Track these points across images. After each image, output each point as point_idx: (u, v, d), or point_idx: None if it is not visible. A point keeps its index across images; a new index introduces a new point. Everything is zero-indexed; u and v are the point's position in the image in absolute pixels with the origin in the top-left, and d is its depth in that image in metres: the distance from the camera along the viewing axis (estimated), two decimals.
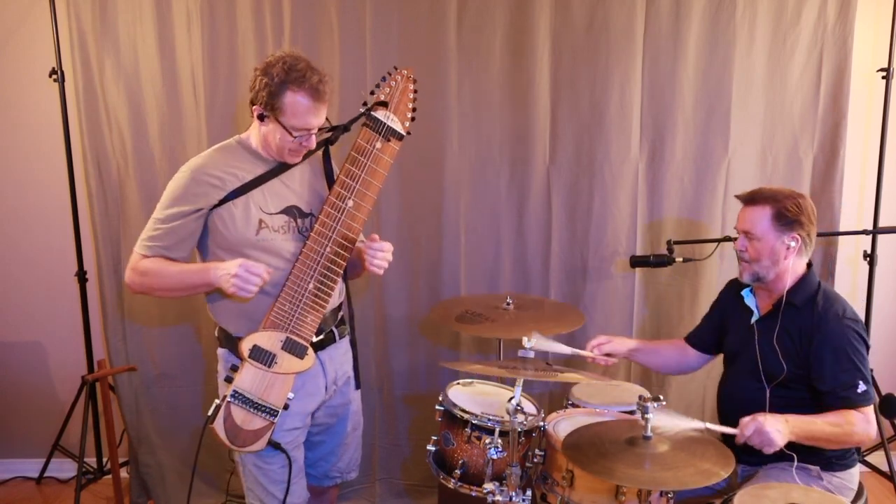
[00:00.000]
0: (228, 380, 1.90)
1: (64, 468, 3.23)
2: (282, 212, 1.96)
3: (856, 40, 2.78)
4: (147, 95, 2.79)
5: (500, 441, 1.98)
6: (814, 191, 2.86)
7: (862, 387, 1.92)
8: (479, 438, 2.04)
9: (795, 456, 1.97)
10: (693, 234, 2.86)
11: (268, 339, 1.90)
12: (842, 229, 2.87)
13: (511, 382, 1.92)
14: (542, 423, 2.09)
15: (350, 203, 1.95)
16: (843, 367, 1.94)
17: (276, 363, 1.90)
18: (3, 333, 3.19)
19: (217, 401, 1.90)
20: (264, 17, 2.75)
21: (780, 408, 1.99)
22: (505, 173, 2.88)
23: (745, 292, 2.17)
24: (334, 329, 2.09)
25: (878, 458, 3.10)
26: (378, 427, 3.02)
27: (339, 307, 2.14)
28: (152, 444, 3.00)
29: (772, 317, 2.08)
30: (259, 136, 1.95)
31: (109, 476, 2.98)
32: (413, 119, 2.02)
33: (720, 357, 2.36)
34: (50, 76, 2.82)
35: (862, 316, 2.90)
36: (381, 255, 1.98)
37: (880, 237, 2.94)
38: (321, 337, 2.03)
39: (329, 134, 1.98)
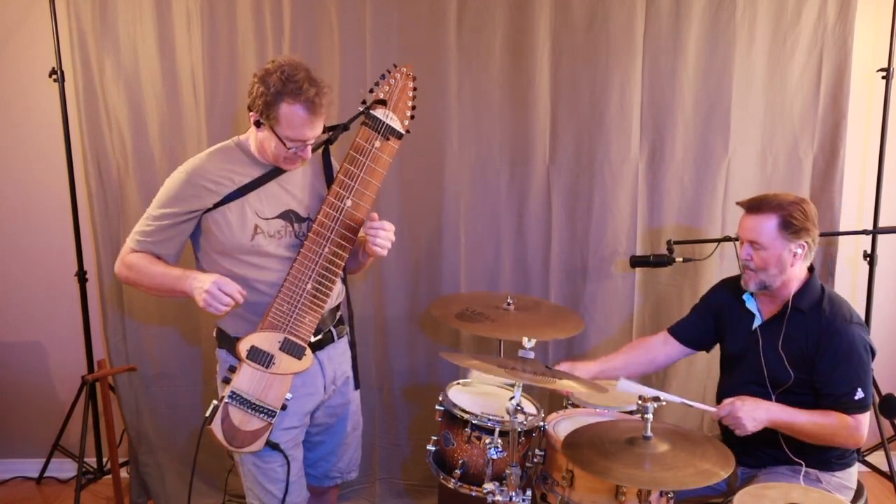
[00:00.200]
0: (226, 381, 1.91)
1: (64, 468, 3.23)
2: (278, 216, 1.95)
3: (856, 40, 2.78)
4: (147, 95, 2.79)
5: (500, 441, 1.98)
6: (814, 191, 2.86)
7: (859, 393, 1.93)
8: (479, 438, 2.04)
9: (804, 463, 1.99)
10: (693, 234, 2.86)
11: (265, 340, 1.90)
12: (842, 229, 2.87)
13: (510, 382, 1.92)
14: (542, 423, 2.09)
15: (349, 203, 1.94)
16: (844, 373, 1.95)
17: (273, 364, 1.90)
18: (3, 333, 3.19)
19: (215, 402, 1.90)
20: (264, 17, 2.74)
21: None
22: (505, 173, 2.88)
23: (746, 296, 2.16)
24: (332, 329, 2.09)
25: (878, 458, 3.10)
26: (378, 427, 3.02)
27: (338, 307, 2.14)
28: (152, 444, 3.00)
29: (776, 322, 2.07)
30: (256, 141, 1.94)
31: (109, 476, 2.98)
32: (412, 117, 2.01)
33: (716, 355, 2.35)
34: (50, 76, 2.82)
35: (862, 316, 2.91)
36: (382, 234, 1.94)
37: (880, 237, 2.94)
38: (319, 337, 2.03)
39: (328, 133, 1.97)
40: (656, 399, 1.84)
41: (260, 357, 1.89)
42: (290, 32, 2.74)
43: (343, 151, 1.98)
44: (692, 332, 2.33)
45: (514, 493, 1.88)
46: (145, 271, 1.91)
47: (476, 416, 2.05)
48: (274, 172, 1.95)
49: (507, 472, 1.89)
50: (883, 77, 2.88)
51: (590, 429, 1.92)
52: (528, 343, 1.92)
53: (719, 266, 2.88)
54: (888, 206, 2.98)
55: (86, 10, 2.71)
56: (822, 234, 2.45)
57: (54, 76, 2.82)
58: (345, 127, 1.99)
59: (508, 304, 2.39)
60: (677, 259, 2.76)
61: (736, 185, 2.85)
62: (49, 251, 3.09)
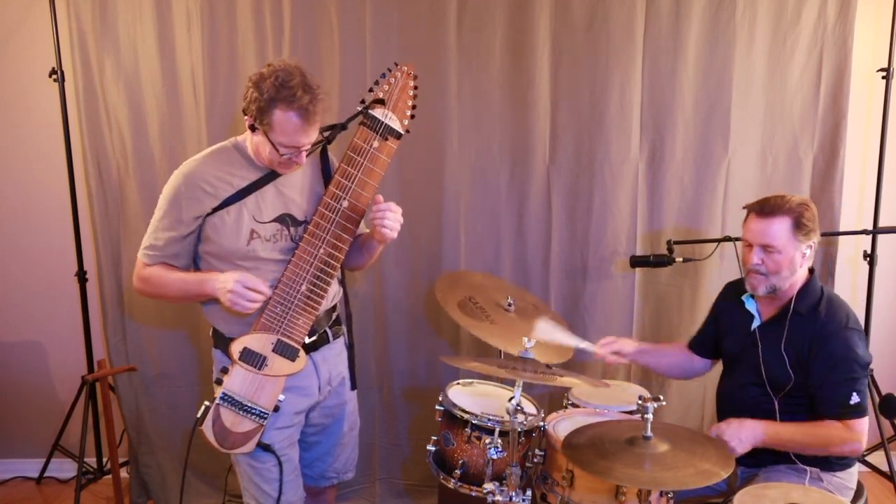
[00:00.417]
0: (218, 382, 1.90)
1: (64, 468, 3.23)
2: (274, 220, 1.93)
3: (856, 40, 2.78)
4: (147, 95, 2.79)
5: (500, 441, 1.98)
6: (814, 191, 2.86)
7: (855, 398, 1.92)
8: (479, 438, 2.04)
9: (804, 462, 1.98)
10: (693, 234, 2.86)
11: (258, 342, 1.90)
12: (842, 229, 2.87)
13: (511, 383, 1.92)
14: (542, 423, 2.09)
15: (345, 204, 1.93)
16: (838, 377, 1.94)
17: (266, 366, 1.89)
18: (3, 333, 3.19)
19: (206, 403, 1.89)
20: (264, 17, 2.74)
21: (785, 416, 1.99)
22: (505, 173, 2.88)
23: (745, 297, 2.16)
24: (328, 330, 2.08)
25: (878, 458, 3.10)
26: (378, 427, 3.02)
27: (335, 308, 2.13)
28: (152, 444, 3.00)
29: (776, 323, 2.07)
30: (252, 144, 1.92)
31: (109, 476, 2.98)
32: (413, 117, 2.00)
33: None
34: (50, 76, 2.82)
35: (862, 316, 2.92)
36: (390, 216, 1.92)
37: (880, 237, 2.94)
38: (314, 338, 2.02)
39: (326, 133, 1.96)
40: (657, 399, 1.84)
41: (252, 359, 1.89)
42: (290, 32, 2.74)
43: (342, 151, 1.97)
44: (708, 344, 2.35)
45: (514, 493, 1.88)
46: (163, 283, 1.91)
47: (476, 416, 2.05)
48: (271, 175, 1.93)
49: (507, 472, 1.89)
50: (883, 77, 2.87)
51: (590, 429, 1.92)
52: (528, 343, 1.92)
53: (719, 266, 2.88)
54: (888, 206, 2.98)
55: (86, 10, 2.71)
56: (822, 234, 2.45)
57: (54, 76, 2.82)
58: (342, 126, 1.97)
59: (509, 304, 2.39)
60: (677, 259, 2.76)
61: (736, 185, 2.85)
62: (49, 251, 3.09)
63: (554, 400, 2.91)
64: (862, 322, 2.27)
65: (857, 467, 2.12)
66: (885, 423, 2.98)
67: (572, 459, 1.81)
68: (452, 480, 2.07)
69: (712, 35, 2.77)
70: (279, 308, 1.90)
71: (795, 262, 2.01)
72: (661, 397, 1.89)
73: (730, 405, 2.18)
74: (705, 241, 2.80)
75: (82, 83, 2.76)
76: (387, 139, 1.95)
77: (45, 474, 3.24)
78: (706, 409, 2.99)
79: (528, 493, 1.92)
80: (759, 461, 2.09)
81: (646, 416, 1.78)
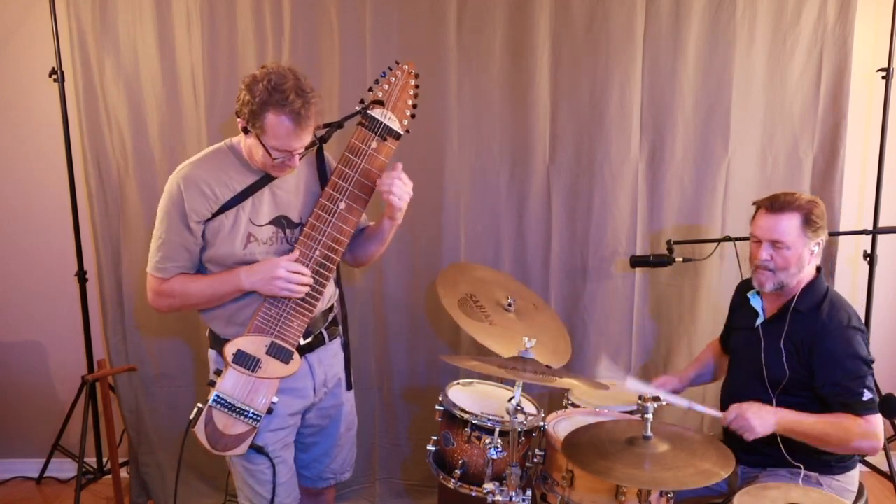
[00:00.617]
0: (211, 384, 1.89)
1: (64, 468, 3.23)
2: (270, 223, 1.92)
3: (856, 40, 2.77)
4: (147, 95, 2.79)
5: (500, 441, 1.98)
6: (814, 191, 2.85)
7: (867, 395, 1.91)
8: (479, 438, 2.04)
9: (802, 466, 1.98)
10: (693, 234, 2.86)
11: (252, 344, 1.89)
12: (842, 229, 2.87)
13: (511, 383, 1.92)
14: (542, 423, 2.09)
15: (342, 205, 1.92)
16: (844, 374, 1.94)
17: (260, 368, 1.89)
18: (3, 333, 3.19)
19: (199, 405, 1.89)
20: (264, 17, 2.74)
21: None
22: (505, 173, 2.88)
23: (751, 294, 2.17)
24: (324, 331, 2.07)
25: (878, 459, 3.09)
26: (378, 427, 3.02)
27: (331, 308, 2.12)
28: (152, 444, 3.00)
29: (777, 320, 2.07)
30: (245, 147, 1.89)
31: (109, 476, 2.98)
32: (413, 116, 1.99)
33: None
34: (50, 76, 2.82)
35: (862, 316, 2.90)
36: (399, 184, 1.88)
37: (880, 237, 2.94)
38: (309, 339, 2.01)
39: (322, 132, 1.93)
40: (656, 399, 1.84)
41: (246, 361, 1.88)
42: (290, 32, 2.74)
43: (341, 151, 1.96)
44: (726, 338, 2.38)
45: (514, 493, 1.88)
46: (189, 291, 1.89)
47: (476, 416, 2.05)
48: (268, 177, 1.91)
49: (507, 472, 1.89)
50: (883, 77, 2.87)
51: (590, 429, 1.92)
52: (528, 343, 1.92)
53: (719, 266, 2.88)
54: (888, 206, 2.98)
55: (86, 10, 2.71)
56: None
57: (54, 76, 2.82)
58: (339, 125, 1.95)
59: (509, 304, 2.39)
60: (677, 259, 2.76)
61: (736, 185, 2.85)
62: (49, 251, 3.09)
63: (554, 400, 2.91)
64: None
65: (858, 468, 2.11)
66: (885, 423, 2.98)
67: (572, 459, 1.81)
68: (452, 480, 2.07)
69: (712, 35, 2.77)
70: (274, 310, 1.89)
71: (804, 258, 2.02)
72: (661, 397, 1.89)
73: (732, 401, 2.17)
74: (705, 241, 2.80)
75: (82, 83, 2.76)
76: (385, 140, 1.94)
77: (45, 474, 3.23)
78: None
79: (528, 493, 1.92)
80: (761, 462, 2.09)
81: (646, 416, 1.78)
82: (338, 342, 2.16)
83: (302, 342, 1.96)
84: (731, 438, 2.16)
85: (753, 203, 2.14)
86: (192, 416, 1.88)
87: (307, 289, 1.87)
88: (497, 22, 2.77)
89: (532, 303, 2.55)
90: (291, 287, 1.85)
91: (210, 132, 2.77)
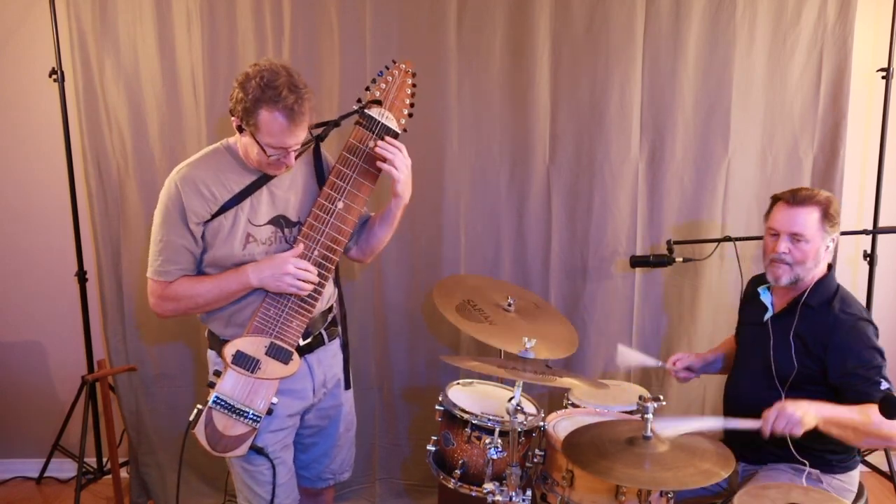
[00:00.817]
0: (211, 385, 1.89)
1: (64, 468, 3.23)
2: (269, 223, 1.91)
3: (856, 40, 2.77)
4: (147, 95, 2.79)
5: (500, 441, 1.98)
6: None
7: (884, 384, 1.90)
8: (479, 438, 2.04)
9: (808, 462, 1.97)
10: (693, 234, 2.86)
11: (251, 345, 1.88)
12: (842, 229, 2.86)
13: (511, 383, 1.92)
14: (542, 423, 2.09)
15: (340, 205, 1.91)
16: (861, 365, 1.93)
17: (259, 369, 1.88)
18: (3, 333, 3.19)
19: (199, 406, 1.88)
20: (264, 17, 2.74)
21: None
22: (505, 173, 2.88)
23: (762, 289, 2.17)
24: (323, 332, 2.07)
25: (878, 458, 3.10)
26: (378, 427, 3.01)
27: (330, 309, 2.11)
28: (152, 444, 3.00)
29: (787, 315, 2.07)
30: (241, 146, 1.88)
31: (109, 476, 2.98)
32: (411, 115, 1.99)
33: None
34: (50, 76, 2.82)
35: None
36: (399, 156, 1.90)
37: (880, 237, 2.94)
38: (308, 340, 2.01)
39: (319, 130, 1.93)
40: (657, 399, 1.84)
41: (245, 362, 1.88)
42: (290, 32, 2.74)
43: (339, 150, 1.96)
44: None
45: (514, 493, 1.88)
46: (195, 292, 1.88)
47: (476, 416, 2.05)
48: (266, 177, 1.90)
49: (507, 472, 1.89)
50: (883, 77, 2.88)
51: (590, 429, 1.92)
52: (528, 343, 1.92)
53: (719, 266, 2.88)
54: (888, 206, 2.98)
55: (86, 10, 2.71)
56: None
57: (54, 76, 2.82)
58: (336, 124, 1.94)
59: (509, 304, 2.39)
60: (677, 259, 2.76)
61: (736, 185, 2.85)
62: (49, 251, 3.09)
63: (554, 400, 2.91)
64: None
65: (859, 469, 2.11)
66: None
67: (572, 459, 1.81)
68: (452, 480, 2.07)
69: (712, 35, 2.77)
70: (273, 310, 1.89)
71: (820, 253, 2.03)
72: (661, 397, 1.89)
73: (736, 395, 2.18)
74: (705, 241, 2.80)
75: (82, 83, 2.76)
76: (383, 139, 1.94)
77: (45, 474, 3.23)
78: (706, 409, 2.99)
79: (528, 493, 1.92)
80: (761, 458, 2.09)
81: (646, 416, 1.78)
82: (337, 342, 2.15)
83: (301, 343, 1.96)
84: (731, 433, 2.17)
85: (772, 197, 2.13)
86: (191, 418, 1.88)
87: (312, 286, 1.87)
88: (497, 22, 2.77)
89: (533, 302, 2.55)
90: (299, 284, 1.85)
91: (210, 132, 2.77)
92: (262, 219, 1.91)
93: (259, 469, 1.97)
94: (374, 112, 1.93)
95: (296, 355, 1.92)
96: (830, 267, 2.11)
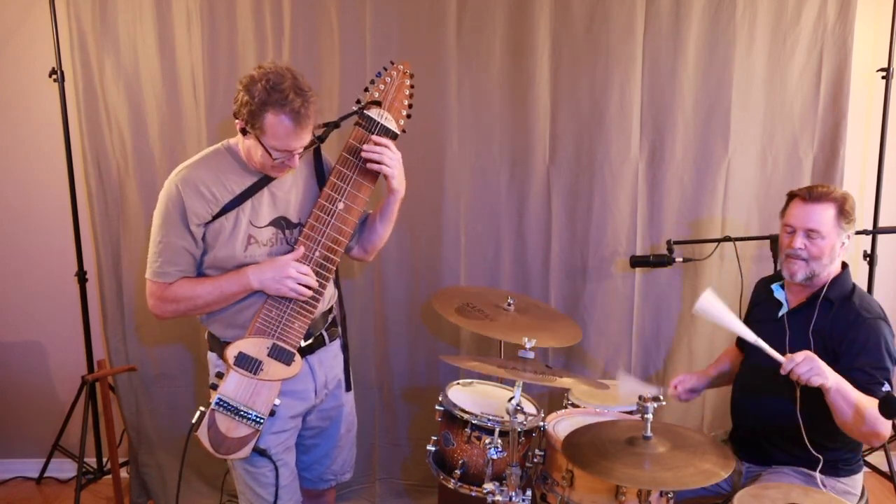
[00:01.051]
0: (213, 387, 1.88)
1: (64, 468, 3.23)
2: (270, 224, 1.91)
3: (856, 40, 2.77)
4: (147, 95, 2.79)
5: (500, 441, 1.98)
6: None
7: (886, 387, 1.91)
8: (479, 438, 2.04)
9: (821, 458, 1.96)
10: (693, 234, 2.86)
11: (253, 346, 1.88)
12: None
13: (511, 383, 1.92)
14: (542, 423, 2.09)
15: (340, 205, 1.91)
16: (870, 363, 1.93)
17: (261, 370, 1.88)
18: (3, 333, 3.19)
19: (202, 408, 1.88)
20: (264, 17, 2.74)
21: (805, 404, 1.96)
22: (505, 173, 2.88)
23: (775, 286, 2.17)
24: (324, 332, 2.06)
25: (878, 459, 3.10)
26: (378, 427, 3.02)
27: (331, 310, 2.11)
28: (152, 444, 3.00)
29: (805, 310, 2.07)
30: (244, 148, 1.88)
31: (109, 476, 2.98)
32: (409, 116, 1.99)
33: (715, 354, 2.35)
34: (50, 76, 2.83)
35: None
36: (388, 154, 1.90)
37: (880, 237, 2.94)
38: (310, 341, 2.00)
39: (319, 132, 1.92)
40: (656, 399, 1.84)
41: (248, 363, 1.87)
42: (290, 32, 2.74)
43: (338, 151, 1.96)
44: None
45: (514, 493, 1.88)
46: (195, 294, 1.87)
47: (476, 416, 2.05)
48: (266, 179, 1.90)
49: (507, 472, 1.89)
50: (883, 77, 2.88)
51: (590, 429, 1.92)
52: (528, 343, 1.92)
53: (719, 266, 2.88)
54: (888, 206, 2.98)
55: (86, 10, 2.71)
56: None
57: (54, 76, 2.82)
58: (335, 125, 1.94)
59: (509, 304, 2.39)
60: (677, 259, 2.76)
61: (736, 185, 2.85)
62: (49, 251, 3.09)
63: (554, 400, 2.91)
64: None
65: (863, 473, 2.11)
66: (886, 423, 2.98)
67: (572, 459, 1.81)
68: (452, 480, 2.07)
69: (712, 35, 2.77)
70: (275, 311, 1.89)
71: (836, 249, 2.03)
72: (661, 397, 1.88)
73: (749, 391, 2.17)
74: (705, 241, 2.80)
75: (82, 83, 2.76)
76: (386, 140, 1.94)
77: (45, 474, 3.23)
78: (706, 409, 2.99)
79: (528, 493, 1.92)
80: (767, 459, 2.09)
81: (646, 416, 1.78)
82: (337, 343, 2.15)
83: (302, 344, 1.96)
84: (739, 434, 2.17)
85: (788, 193, 2.14)
86: (194, 420, 1.87)
87: (311, 292, 1.87)
88: (497, 22, 2.77)
89: (533, 303, 2.55)
90: (299, 288, 1.85)
91: (210, 132, 2.77)
92: (264, 220, 1.90)
93: (262, 471, 1.96)
94: (373, 113, 1.93)
95: (298, 356, 1.92)
96: (845, 265, 2.11)
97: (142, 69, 2.77)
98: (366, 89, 1.97)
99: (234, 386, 1.87)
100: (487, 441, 2.00)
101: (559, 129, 2.84)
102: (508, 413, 1.87)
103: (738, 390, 2.24)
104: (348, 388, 2.19)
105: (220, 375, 1.88)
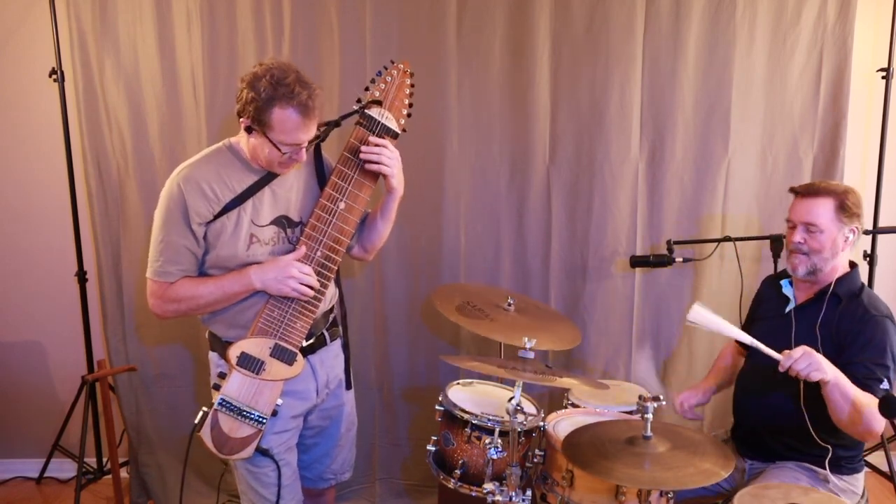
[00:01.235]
0: (216, 387, 1.88)
1: (64, 468, 3.23)
2: (272, 223, 1.91)
3: (856, 40, 2.77)
4: (147, 95, 2.79)
5: (500, 441, 1.98)
6: None
7: (885, 384, 1.91)
8: (479, 438, 2.04)
9: (831, 448, 1.97)
10: (693, 234, 2.86)
11: (256, 346, 1.88)
12: None
13: (511, 383, 1.92)
14: (542, 423, 2.09)
15: (342, 205, 1.92)
16: (871, 358, 1.93)
17: (264, 370, 1.88)
18: (3, 333, 3.19)
19: (204, 409, 1.88)
20: (264, 17, 2.74)
21: (810, 399, 1.96)
22: (505, 173, 2.88)
23: (783, 282, 2.18)
24: (325, 332, 2.07)
25: (878, 458, 3.09)
26: (378, 427, 3.01)
27: (332, 309, 2.11)
28: (152, 444, 3.00)
29: (812, 305, 2.08)
30: (249, 146, 1.88)
31: (109, 476, 2.98)
32: (409, 115, 2.00)
33: (715, 353, 2.35)
34: (50, 76, 2.83)
35: None
36: (386, 153, 1.90)
37: (880, 237, 2.94)
38: (311, 341, 2.01)
39: (320, 130, 1.92)
40: (656, 399, 1.84)
41: (250, 363, 1.87)
42: (290, 32, 2.74)
43: (339, 150, 1.96)
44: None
45: (514, 493, 1.88)
46: (197, 293, 1.87)
47: (476, 416, 2.05)
48: (268, 177, 1.90)
49: (507, 472, 1.89)
50: (883, 77, 2.88)
51: (590, 429, 1.92)
52: (528, 343, 1.92)
53: (719, 266, 2.88)
54: (888, 206, 2.98)
55: (86, 10, 2.71)
56: None
57: (54, 76, 2.82)
58: (336, 124, 1.94)
59: (509, 304, 2.39)
60: (677, 259, 2.76)
61: (736, 185, 2.85)
62: (49, 251, 3.09)
63: (554, 400, 2.91)
64: None
65: (864, 473, 2.11)
66: (885, 423, 2.98)
67: (572, 459, 1.81)
68: (452, 480, 2.07)
69: (712, 35, 2.77)
70: (277, 311, 1.89)
71: (837, 244, 2.03)
72: (661, 397, 1.88)
73: (753, 385, 2.17)
74: (705, 241, 2.80)
75: (82, 83, 2.76)
76: (383, 139, 1.94)
77: (45, 474, 3.23)
78: (706, 408, 2.98)
79: (528, 493, 1.92)
80: (771, 455, 2.09)
81: (646, 416, 1.78)
82: (338, 343, 2.15)
83: (304, 343, 1.96)
84: (742, 431, 2.16)
85: (790, 189, 2.15)
86: (196, 420, 1.87)
87: (313, 292, 1.87)
88: (497, 22, 2.77)
89: (533, 304, 2.55)
90: (301, 288, 1.85)
91: (210, 132, 2.77)
92: (265, 219, 1.90)
93: (264, 471, 1.97)
94: (374, 112, 1.93)
95: (300, 356, 1.92)
96: (854, 264, 2.11)
97: (142, 69, 2.77)
98: (366, 88, 1.97)
99: (236, 386, 1.87)
100: (487, 441, 2.00)
101: (559, 129, 2.84)
102: (508, 413, 1.87)
103: (740, 390, 2.24)
104: (349, 387, 2.19)
105: (222, 376, 1.88)
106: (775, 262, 2.60)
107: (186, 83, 2.78)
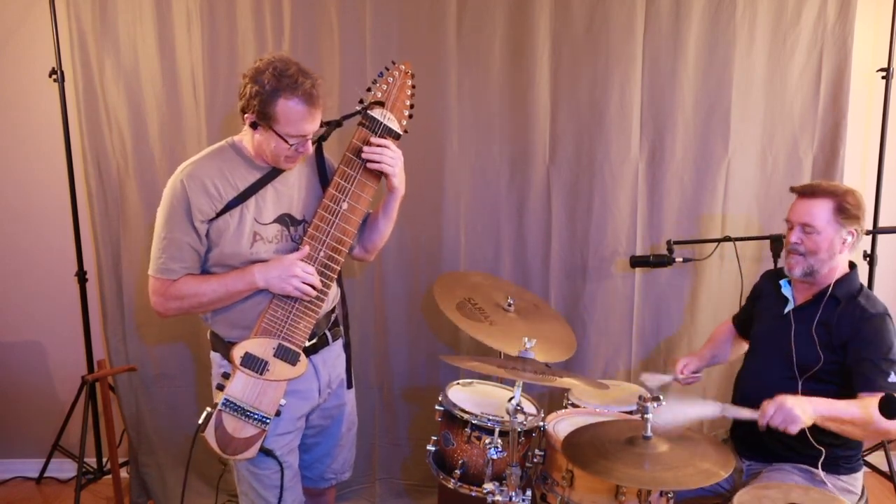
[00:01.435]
0: (220, 388, 1.88)
1: (64, 468, 3.23)
2: (275, 221, 1.91)
3: (856, 40, 2.78)
4: (147, 95, 2.79)
5: (500, 441, 1.98)
6: None
7: (892, 377, 1.90)
8: (479, 438, 2.04)
9: (824, 450, 1.96)
10: (693, 234, 2.86)
11: (259, 347, 1.88)
12: None
13: (511, 383, 1.92)
14: (542, 423, 2.09)
15: (345, 205, 1.92)
16: (876, 353, 1.93)
17: (267, 370, 1.88)
18: (3, 333, 3.19)
19: (208, 409, 1.88)
20: (264, 17, 2.75)
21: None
22: (505, 173, 2.88)
23: (783, 282, 2.18)
24: (327, 332, 2.07)
25: (878, 459, 3.10)
26: (378, 427, 3.02)
27: (333, 309, 2.12)
28: (152, 444, 3.00)
29: (811, 306, 2.08)
30: (253, 143, 1.88)
31: (109, 476, 2.98)
32: (411, 116, 2.00)
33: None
34: (50, 76, 2.83)
35: None
36: (388, 153, 1.91)
37: (880, 237, 2.94)
38: (314, 341, 2.01)
39: (322, 130, 1.93)
40: (656, 399, 1.84)
41: (254, 364, 1.87)
42: (290, 32, 2.74)
43: (341, 151, 1.96)
44: (747, 324, 2.36)
45: (514, 493, 1.88)
46: (200, 291, 1.87)
47: (476, 416, 2.05)
48: (271, 175, 1.90)
49: (507, 472, 1.89)
50: (883, 77, 2.88)
51: (590, 429, 1.92)
52: (528, 343, 1.92)
53: (719, 266, 2.88)
54: (888, 206, 2.98)
55: (86, 10, 2.71)
56: None
57: (54, 76, 2.82)
58: (338, 124, 1.95)
59: (509, 304, 2.39)
60: (677, 259, 2.76)
61: (736, 185, 2.85)
62: (49, 251, 3.09)
63: (554, 400, 2.91)
64: None
65: (863, 472, 2.11)
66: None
67: (572, 459, 1.81)
68: (452, 480, 2.07)
69: (712, 35, 2.77)
70: (280, 311, 1.89)
71: (835, 245, 2.02)
72: (661, 397, 1.89)
73: (751, 386, 2.17)
74: (705, 241, 2.80)
75: (82, 83, 2.76)
76: (385, 139, 1.94)
77: (45, 474, 3.23)
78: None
79: (528, 493, 1.92)
80: (768, 456, 2.09)
81: (646, 416, 1.78)
82: (340, 343, 2.15)
83: (307, 344, 1.96)
84: (738, 431, 2.17)
85: (791, 189, 2.15)
86: (200, 421, 1.86)
87: (316, 291, 1.88)
88: (497, 22, 2.77)
89: (533, 303, 2.55)
90: (304, 287, 1.86)
91: (210, 132, 2.77)
92: (269, 217, 1.91)
93: (266, 472, 1.96)
94: (376, 113, 1.93)
95: (303, 356, 1.92)
96: (853, 265, 2.11)
97: (142, 69, 2.77)
98: (368, 89, 1.97)
99: (240, 386, 1.87)
100: (487, 441, 2.00)
101: (559, 129, 2.84)
102: (508, 413, 1.87)
103: (739, 391, 2.24)
104: (349, 386, 2.19)
105: (226, 376, 1.88)
106: (775, 263, 2.60)
107: (186, 83, 2.78)
